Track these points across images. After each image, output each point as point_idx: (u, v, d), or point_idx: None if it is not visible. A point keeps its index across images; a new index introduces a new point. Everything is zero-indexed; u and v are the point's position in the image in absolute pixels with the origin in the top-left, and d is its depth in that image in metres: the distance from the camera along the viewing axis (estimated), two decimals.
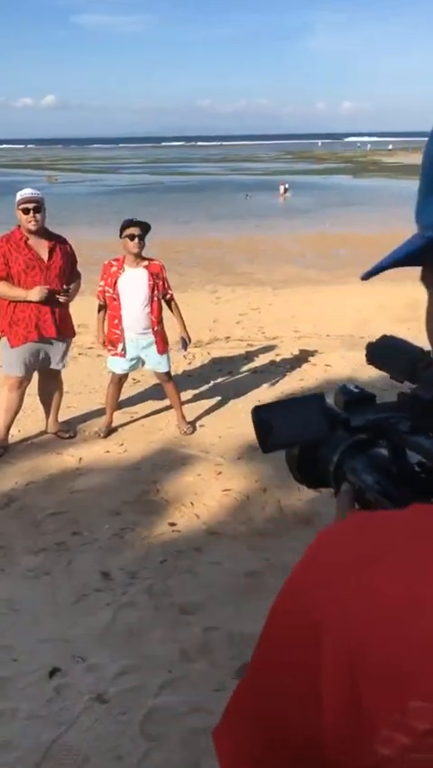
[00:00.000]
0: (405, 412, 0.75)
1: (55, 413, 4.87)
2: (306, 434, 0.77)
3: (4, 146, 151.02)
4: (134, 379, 5.68)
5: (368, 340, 0.86)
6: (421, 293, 0.55)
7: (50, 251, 4.38)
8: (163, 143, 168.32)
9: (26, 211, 4.28)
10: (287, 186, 29.99)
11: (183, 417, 4.98)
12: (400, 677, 0.39)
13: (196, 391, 5.81)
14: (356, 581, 0.43)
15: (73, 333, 4.74)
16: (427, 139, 0.51)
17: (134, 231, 4.51)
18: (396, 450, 0.73)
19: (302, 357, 6.67)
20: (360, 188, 32.56)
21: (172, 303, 4.76)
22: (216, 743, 0.51)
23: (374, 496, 0.72)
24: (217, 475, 4.28)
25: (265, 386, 5.89)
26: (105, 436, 4.87)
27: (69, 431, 4.91)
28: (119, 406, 5.08)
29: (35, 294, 4.25)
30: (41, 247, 4.37)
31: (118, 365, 4.77)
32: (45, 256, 4.36)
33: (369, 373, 5.66)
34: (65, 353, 4.64)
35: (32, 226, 4.29)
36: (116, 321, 4.63)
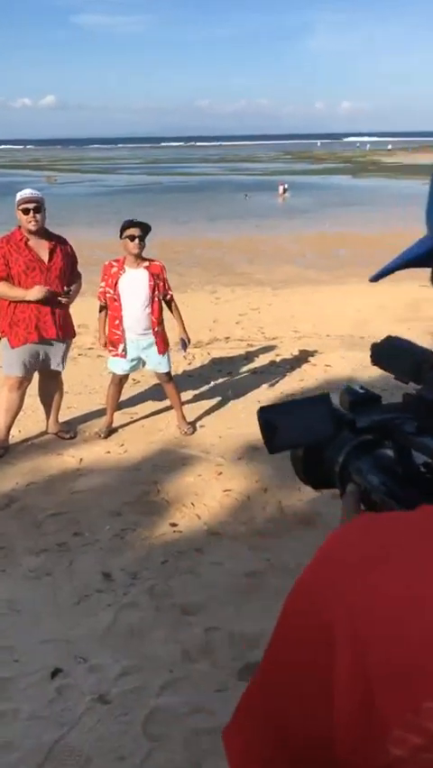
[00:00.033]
0: (410, 413, 0.75)
1: (56, 413, 4.87)
2: (312, 434, 0.77)
3: (3, 147, 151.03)
4: (135, 380, 5.68)
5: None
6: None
7: (51, 253, 4.38)
8: (162, 144, 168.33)
9: (26, 211, 4.27)
10: (286, 186, 29.99)
11: (183, 418, 4.98)
12: (412, 677, 0.39)
13: (196, 392, 5.81)
14: (362, 582, 0.43)
15: (73, 334, 4.74)
16: (431, 139, 0.51)
17: (135, 232, 4.50)
18: (402, 451, 0.73)
19: (302, 357, 6.68)
20: (359, 188, 32.57)
21: (172, 304, 4.76)
22: (225, 742, 0.51)
23: (380, 497, 0.72)
24: (218, 475, 4.28)
25: (265, 386, 5.89)
26: (106, 437, 4.87)
27: (69, 431, 4.91)
28: (119, 406, 5.08)
29: (34, 293, 4.24)
30: (42, 248, 4.36)
31: (119, 366, 4.77)
32: (45, 257, 4.35)
33: (369, 373, 5.67)
34: (65, 354, 4.64)
35: (32, 226, 4.29)
36: (117, 322, 4.63)
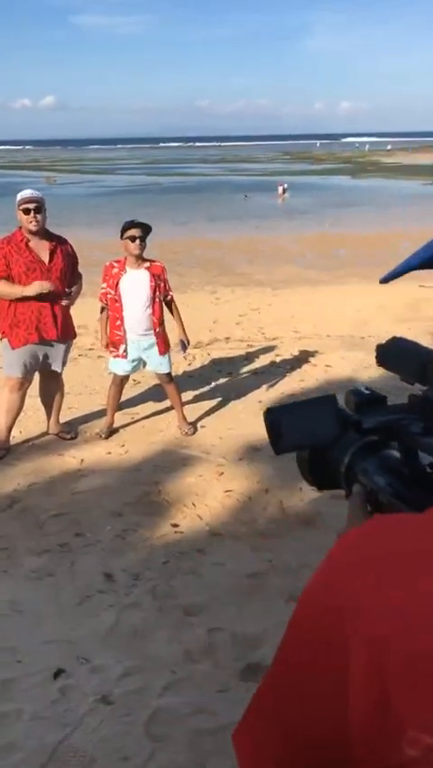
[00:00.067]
0: (416, 414, 0.75)
1: (56, 414, 4.87)
2: (318, 435, 0.77)
3: (3, 147, 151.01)
4: (135, 381, 5.68)
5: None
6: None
7: (51, 253, 4.38)
8: (162, 144, 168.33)
9: (27, 211, 4.27)
10: (286, 186, 30.00)
11: (184, 418, 4.99)
12: (427, 677, 0.39)
13: (196, 392, 5.81)
14: (375, 584, 0.44)
15: (74, 335, 4.74)
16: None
17: (135, 232, 4.51)
18: (408, 451, 0.73)
19: (302, 357, 6.68)
20: (359, 189, 32.59)
21: (173, 305, 4.76)
22: (235, 743, 0.51)
23: (387, 498, 0.72)
24: (219, 476, 4.28)
25: (265, 387, 5.89)
26: (107, 437, 4.87)
27: (70, 432, 4.91)
28: (120, 407, 5.08)
29: (33, 288, 4.23)
30: (42, 249, 4.36)
31: (120, 366, 4.77)
32: (46, 258, 4.35)
33: (369, 374, 5.68)
34: (66, 355, 4.65)
35: (32, 227, 4.29)
36: (118, 322, 4.64)
